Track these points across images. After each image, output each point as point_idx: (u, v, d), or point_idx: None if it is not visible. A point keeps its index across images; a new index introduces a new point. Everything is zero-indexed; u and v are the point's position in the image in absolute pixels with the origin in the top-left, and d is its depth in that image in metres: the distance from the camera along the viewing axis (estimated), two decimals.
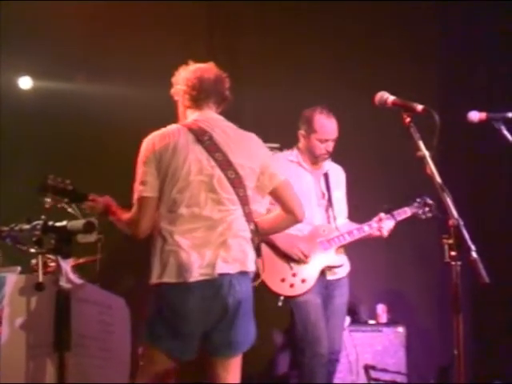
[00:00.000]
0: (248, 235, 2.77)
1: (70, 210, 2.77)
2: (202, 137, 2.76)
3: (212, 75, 2.90)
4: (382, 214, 3.62)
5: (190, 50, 4.93)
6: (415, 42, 4.89)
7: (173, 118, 4.98)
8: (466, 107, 2.84)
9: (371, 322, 4.43)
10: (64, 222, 1.36)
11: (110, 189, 2.96)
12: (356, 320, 4.41)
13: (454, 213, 2.08)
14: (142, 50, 4.84)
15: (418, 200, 3.70)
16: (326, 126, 3.66)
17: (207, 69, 2.92)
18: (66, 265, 1.34)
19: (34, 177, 4.19)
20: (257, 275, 2.83)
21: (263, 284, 3.53)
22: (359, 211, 3.88)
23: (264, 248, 3.59)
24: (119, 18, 4.88)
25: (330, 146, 3.68)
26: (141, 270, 2.72)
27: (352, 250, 3.77)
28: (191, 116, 2.87)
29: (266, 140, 4.79)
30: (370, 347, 4.23)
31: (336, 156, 3.87)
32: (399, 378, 4.18)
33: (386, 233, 3.60)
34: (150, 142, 2.79)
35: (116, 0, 4.75)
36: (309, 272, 3.58)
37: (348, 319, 4.18)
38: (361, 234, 3.62)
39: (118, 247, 4.00)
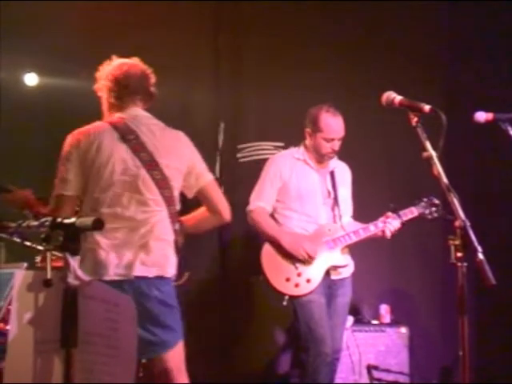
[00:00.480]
0: (171, 238, 2.73)
1: None
2: (127, 135, 2.71)
3: (138, 71, 2.83)
4: (390, 213, 3.59)
5: (195, 50, 4.95)
6: (420, 42, 4.88)
7: (177, 115, 5.01)
8: (472, 108, 2.85)
9: (374, 322, 4.43)
10: (73, 219, 1.36)
11: None
12: (359, 320, 4.41)
13: (461, 213, 2.07)
14: (146, 48, 4.82)
15: (425, 200, 3.66)
16: (332, 124, 3.61)
17: (133, 64, 2.85)
18: (74, 262, 1.34)
19: (39, 174, 4.23)
20: (180, 274, 2.84)
21: (267, 283, 3.57)
22: (364, 211, 3.89)
23: (269, 247, 3.63)
24: (125, 16, 4.88)
25: (337, 144, 3.64)
26: None
27: (356, 249, 3.77)
28: (117, 113, 2.79)
29: (270, 139, 4.84)
30: (373, 347, 4.23)
31: (340, 156, 3.88)
32: (402, 379, 4.18)
33: (389, 233, 3.57)
34: (75, 138, 2.73)
35: None
36: (314, 272, 3.55)
37: (351, 319, 4.18)
38: (366, 234, 3.59)
39: None
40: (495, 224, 4.47)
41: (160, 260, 2.65)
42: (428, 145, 2.24)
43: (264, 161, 4.78)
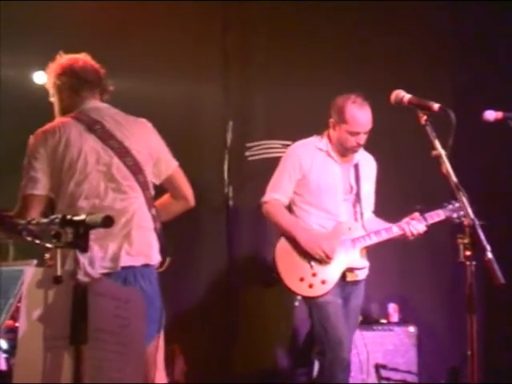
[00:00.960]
0: (151, 225, 2.72)
1: None
2: (93, 126, 2.69)
3: (93, 65, 2.82)
4: (415, 215, 3.39)
5: (203, 49, 4.95)
6: (428, 40, 4.88)
7: (186, 114, 5.02)
8: (480, 106, 2.83)
9: (382, 321, 4.42)
10: (82, 216, 1.37)
11: None
12: (367, 319, 4.40)
13: (470, 212, 2.07)
14: (154, 47, 4.84)
15: (453, 202, 3.35)
16: (359, 117, 3.35)
17: (87, 59, 2.83)
18: (84, 258, 1.35)
19: None
20: (162, 261, 2.75)
21: (280, 281, 3.39)
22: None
23: (284, 243, 3.44)
24: (133, 15, 4.88)
25: (362, 138, 3.40)
26: None
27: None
28: (75, 110, 2.76)
29: (278, 137, 4.83)
30: (381, 346, 4.23)
31: None
32: (410, 378, 4.18)
33: (411, 236, 3.36)
34: (40, 137, 2.70)
35: None
36: (330, 273, 3.36)
37: (359, 318, 4.16)
38: (389, 236, 3.40)
39: None
40: (504, 223, 4.45)
41: (144, 248, 2.63)
42: (437, 143, 2.23)
43: (272, 159, 4.78)
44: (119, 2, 4.75)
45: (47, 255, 3.80)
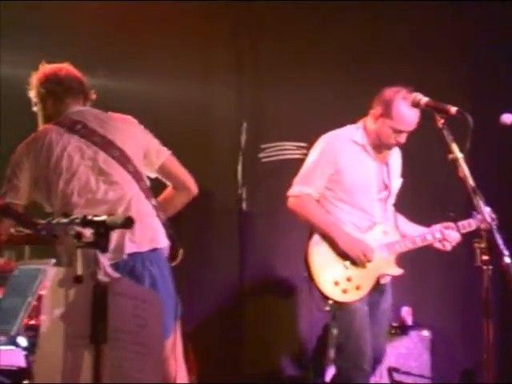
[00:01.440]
0: (152, 211, 2.70)
1: None
2: (74, 126, 2.71)
3: (75, 72, 2.85)
4: (449, 224, 3.26)
5: (215, 51, 4.97)
6: (445, 43, 4.86)
7: (199, 115, 5.02)
8: (498, 110, 2.82)
9: (395, 324, 4.41)
10: (103, 217, 1.38)
11: None
12: None
13: (487, 216, 2.07)
14: (168, 50, 4.85)
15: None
16: (406, 115, 3.12)
17: (68, 67, 2.86)
18: (104, 259, 1.37)
19: None
20: (174, 254, 2.70)
21: (312, 283, 3.18)
22: None
23: (318, 244, 3.22)
24: (145, 17, 4.90)
25: (404, 137, 3.21)
26: None
27: None
28: (61, 115, 2.78)
29: (293, 139, 4.84)
30: (394, 349, 4.20)
31: None
32: (422, 381, 4.16)
33: (449, 246, 3.25)
34: (23, 147, 2.74)
35: None
36: (365, 278, 3.18)
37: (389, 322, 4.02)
38: (423, 243, 3.27)
39: None
40: None
41: (148, 233, 2.61)
42: (454, 147, 2.23)
43: (286, 161, 4.78)
44: (130, 3, 4.77)
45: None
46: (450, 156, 2.23)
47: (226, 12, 4.89)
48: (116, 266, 2.52)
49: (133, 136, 2.78)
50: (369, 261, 3.16)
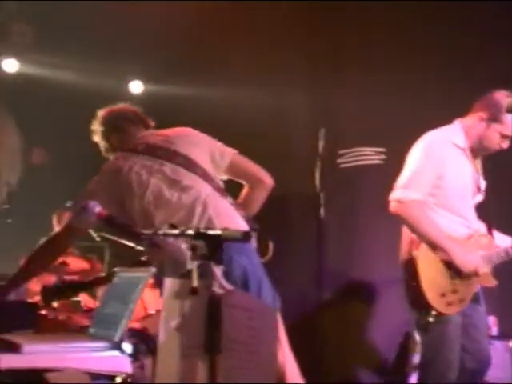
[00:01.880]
0: (230, 207, 2.73)
1: None
2: (137, 147, 2.85)
3: (128, 107, 3.10)
4: None
5: (292, 54, 4.99)
6: None
7: (276, 121, 5.04)
8: None
9: None
10: (218, 231, 1.42)
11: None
12: None
13: None
14: (245, 55, 4.90)
15: None
16: None
17: (122, 105, 3.12)
18: (218, 271, 1.40)
19: None
20: (264, 249, 2.76)
21: (417, 292, 3.07)
22: None
23: (427, 254, 3.11)
24: (222, 24, 4.96)
25: (507, 143, 3.12)
26: None
27: None
28: (127, 145, 2.94)
29: (372, 144, 4.80)
30: None
31: None
32: None
33: None
34: (95, 180, 2.86)
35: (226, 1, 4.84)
36: (468, 290, 3.11)
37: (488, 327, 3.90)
38: None
39: None
40: None
41: (229, 225, 2.56)
42: None
43: (365, 167, 4.75)
44: (210, 13, 4.84)
45: (143, 258, 3.92)
46: None
47: (302, 17, 4.91)
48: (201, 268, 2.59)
49: (194, 143, 2.88)
50: (477, 274, 3.09)
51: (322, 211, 4.71)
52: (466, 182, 3.18)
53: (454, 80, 4.67)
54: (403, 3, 4.74)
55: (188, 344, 1.44)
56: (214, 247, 1.43)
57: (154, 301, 4.98)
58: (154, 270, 2.14)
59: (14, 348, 1.98)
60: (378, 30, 4.89)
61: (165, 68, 5.63)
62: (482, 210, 3.42)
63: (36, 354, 1.92)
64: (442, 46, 4.76)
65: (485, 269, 3.15)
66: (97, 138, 3.09)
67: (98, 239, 5.72)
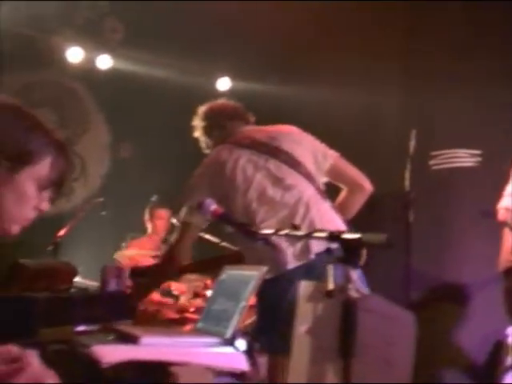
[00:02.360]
0: (330, 210, 2.74)
1: None
2: (242, 141, 2.83)
3: (227, 103, 3.15)
4: None
5: (383, 52, 4.92)
6: None
7: (365, 121, 4.98)
8: None
9: None
10: (357, 235, 1.40)
11: None
12: None
13: None
14: (333, 54, 4.87)
15: None
16: None
17: (223, 101, 3.20)
18: (355, 275, 1.38)
19: None
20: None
21: None
22: None
23: None
24: (314, 25, 4.94)
25: None
26: None
27: None
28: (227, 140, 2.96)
29: (466, 146, 4.68)
30: None
31: None
32: None
33: None
34: (198, 172, 2.91)
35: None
36: None
37: None
38: None
39: None
40: None
41: (334, 228, 2.56)
42: None
43: (458, 169, 4.64)
44: (299, 12, 4.83)
45: None
46: None
47: (392, 18, 4.84)
48: (306, 268, 2.59)
49: (298, 142, 2.88)
50: None
51: (411, 213, 4.63)
52: None
53: None
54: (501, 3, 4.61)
55: (321, 347, 1.43)
56: (350, 250, 1.41)
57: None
58: (265, 269, 2.15)
59: (131, 339, 2.02)
60: (471, 32, 4.77)
61: (253, 66, 5.66)
62: None
63: (154, 346, 1.96)
64: None
65: None
66: (197, 134, 3.14)
67: None
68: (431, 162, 4.75)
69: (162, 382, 1.73)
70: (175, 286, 5.41)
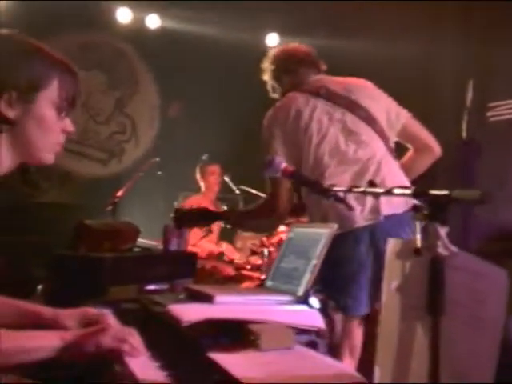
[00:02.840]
0: (401, 171, 2.70)
1: None
2: (318, 91, 2.76)
3: (301, 48, 3.02)
4: None
5: (442, 5, 4.76)
6: None
7: (421, 72, 4.85)
8: None
9: None
10: (445, 192, 1.37)
11: None
12: None
13: None
14: (388, 4, 4.74)
15: None
16: None
17: (296, 45, 3.08)
18: (443, 232, 1.36)
19: None
20: None
21: None
22: None
23: None
24: None
25: None
26: None
27: None
28: (298, 86, 2.89)
29: None
30: None
31: None
32: None
33: None
34: (271, 117, 2.83)
35: None
36: None
37: None
38: None
39: None
40: None
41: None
42: None
43: None
44: None
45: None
46: None
47: None
48: (372, 228, 2.58)
49: (373, 98, 2.84)
50: None
51: (467, 164, 4.56)
52: None
53: None
54: None
55: (409, 305, 1.42)
56: (439, 207, 1.38)
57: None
58: (336, 226, 2.13)
59: (206, 298, 2.04)
60: None
61: (301, 20, 5.55)
62: None
63: (229, 305, 1.98)
64: None
65: None
66: (266, 77, 3.09)
67: (237, 192, 5.86)
68: (488, 114, 4.63)
69: (242, 340, 1.74)
70: (227, 251, 5.46)
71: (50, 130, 1.71)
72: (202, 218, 3.10)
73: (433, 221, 1.41)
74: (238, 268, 4.93)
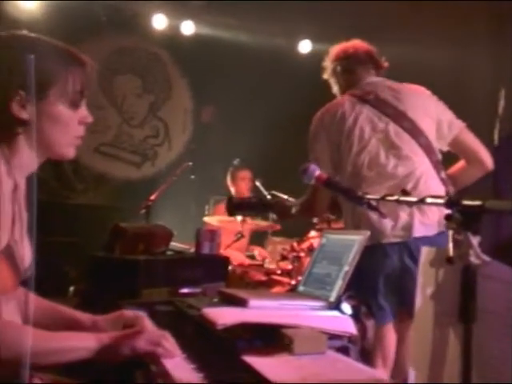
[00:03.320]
0: (441, 188, 2.63)
1: None
2: (365, 96, 2.73)
3: (361, 46, 2.98)
4: None
5: (474, 13, 4.75)
6: None
7: (453, 80, 4.85)
8: None
9: None
10: (478, 202, 1.40)
11: None
12: None
13: None
14: (423, 14, 4.73)
15: None
16: None
17: (355, 43, 3.02)
18: (475, 241, 1.39)
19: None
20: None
21: None
22: None
23: None
24: None
25: None
26: None
27: None
28: (354, 86, 2.90)
29: None
30: None
31: None
32: None
33: None
34: (318, 118, 2.83)
35: None
36: None
37: None
38: None
39: None
40: None
41: (437, 214, 2.56)
42: None
43: None
44: None
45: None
46: None
47: None
48: (401, 246, 2.57)
49: (425, 107, 2.78)
50: None
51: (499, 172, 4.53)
52: None
53: None
54: None
55: (442, 311, 1.45)
56: (471, 217, 1.41)
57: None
58: (368, 233, 2.16)
59: (240, 302, 2.09)
60: None
61: (336, 27, 5.58)
62: None
63: (263, 309, 2.02)
64: None
65: None
66: (326, 76, 3.12)
67: (268, 197, 5.90)
68: None
69: (276, 343, 1.78)
70: (259, 251, 5.52)
71: (67, 124, 1.71)
72: (257, 206, 3.11)
73: (465, 230, 1.43)
74: (269, 273, 4.97)
